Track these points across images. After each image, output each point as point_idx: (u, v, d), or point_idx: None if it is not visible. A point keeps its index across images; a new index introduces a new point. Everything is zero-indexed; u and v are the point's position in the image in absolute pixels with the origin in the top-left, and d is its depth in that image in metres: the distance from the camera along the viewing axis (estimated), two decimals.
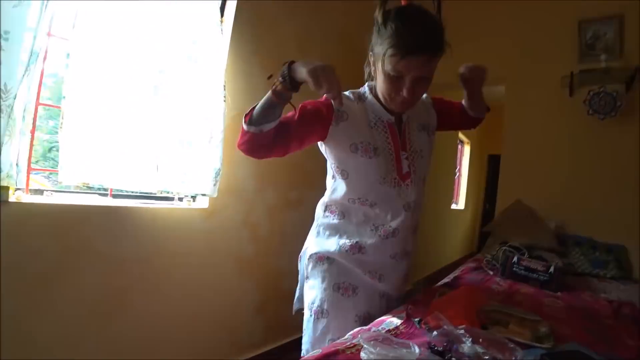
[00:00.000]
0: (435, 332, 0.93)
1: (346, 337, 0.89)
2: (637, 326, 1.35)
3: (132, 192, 1.61)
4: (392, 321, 1.03)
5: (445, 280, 1.53)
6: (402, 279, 1.20)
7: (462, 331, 0.92)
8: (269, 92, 0.91)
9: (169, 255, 1.67)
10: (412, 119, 1.11)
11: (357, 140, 1.02)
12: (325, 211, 1.15)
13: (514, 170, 2.92)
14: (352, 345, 0.85)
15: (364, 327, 0.97)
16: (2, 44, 1.07)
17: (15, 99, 1.15)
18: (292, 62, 0.89)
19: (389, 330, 0.95)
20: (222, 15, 1.88)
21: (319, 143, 1.09)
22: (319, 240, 1.14)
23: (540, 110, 2.82)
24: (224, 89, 1.77)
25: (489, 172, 6.56)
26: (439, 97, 1.24)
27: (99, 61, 1.41)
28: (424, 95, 1.16)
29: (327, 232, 1.13)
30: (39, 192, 1.44)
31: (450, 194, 4.90)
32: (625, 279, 2.14)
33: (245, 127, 0.93)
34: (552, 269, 1.69)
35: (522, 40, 2.92)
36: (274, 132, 0.96)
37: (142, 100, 1.53)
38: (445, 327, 0.92)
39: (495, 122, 6.03)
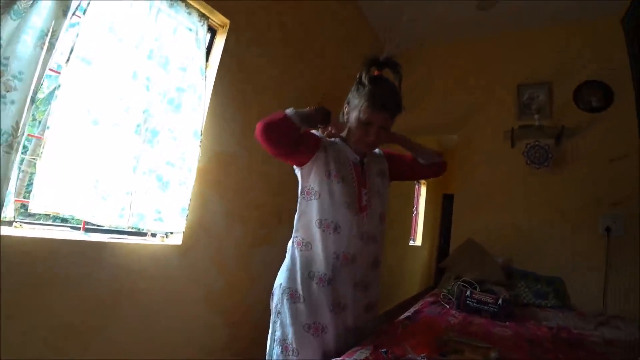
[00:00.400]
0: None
1: None
2: (571, 348, 1.53)
3: (105, 227, 1.61)
4: (361, 352, 1.12)
5: (407, 314, 1.65)
6: (367, 310, 1.30)
7: (424, 358, 1.05)
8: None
9: (141, 291, 1.67)
10: (372, 164, 1.34)
11: (331, 168, 1.22)
12: (293, 245, 1.27)
13: (466, 209, 3.20)
14: None
15: (338, 359, 1.06)
16: (15, 84, 1.13)
17: (24, 135, 1.19)
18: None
19: None
20: (207, 60, 2.01)
21: (296, 168, 1.28)
22: (290, 275, 1.23)
23: (487, 157, 3.17)
24: (201, 134, 1.87)
25: (443, 210, 6.97)
26: (389, 150, 1.47)
27: (87, 96, 1.47)
28: (377, 150, 1.42)
29: (297, 267, 1.23)
30: (8, 223, 1.42)
31: (408, 231, 5.15)
32: (563, 307, 2.38)
33: (289, 112, 1.14)
34: (500, 301, 1.87)
35: (473, 97, 3.33)
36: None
37: (123, 137, 1.58)
38: (409, 356, 1.04)
39: (449, 164, 6.49)
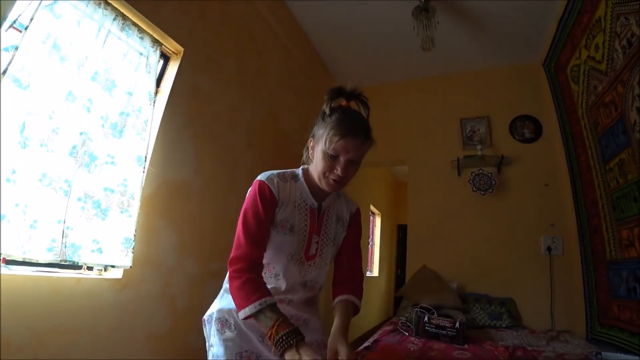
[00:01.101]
0: None
1: None
2: None
3: (35, 260, 1.42)
4: None
5: (366, 344, 1.60)
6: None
7: None
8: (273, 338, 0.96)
9: (71, 331, 1.47)
10: (332, 210, 1.21)
11: (279, 217, 1.11)
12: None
13: (419, 238, 3.28)
14: None
15: None
16: None
17: None
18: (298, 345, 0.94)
19: None
20: (158, 86, 1.95)
21: None
22: (221, 304, 1.19)
23: (436, 186, 3.32)
24: (145, 160, 1.77)
25: (398, 240, 7.10)
26: (359, 221, 1.29)
27: (18, 116, 1.35)
28: (353, 205, 1.28)
29: (230, 296, 1.16)
30: None
31: (364, 263, 5.16)
32: (516, 326, 2.45)
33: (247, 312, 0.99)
34: (457, 324, 1.88)
35: (421, 130, 3.55)
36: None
37: (55, 160, 1.45)
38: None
39: (401, 195, 6.69)
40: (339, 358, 0.93)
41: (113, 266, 1.64)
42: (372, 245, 5.83)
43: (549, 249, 2.75)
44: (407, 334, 1.98)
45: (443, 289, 2.57)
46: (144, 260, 1.77)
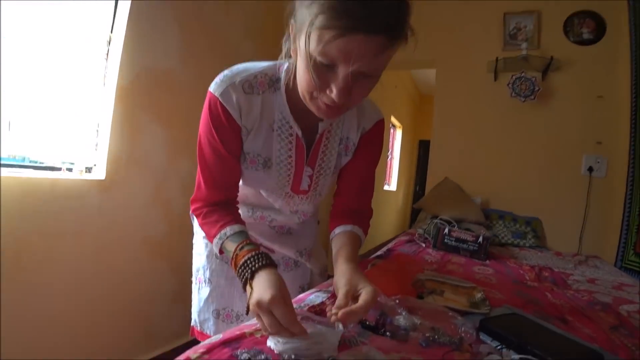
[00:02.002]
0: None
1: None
2: (557, 286, 1.38)
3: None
4: (317, 296, 0.87)
5: (378, 252, 1.42)
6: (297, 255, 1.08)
7: (396, 302, 0.80)
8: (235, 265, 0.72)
9: (53, 235, 1.36)
10: (335, 131, 0.84)
11: (247, 149, 0.81)
12: None
13: (443, 153, 2.97)
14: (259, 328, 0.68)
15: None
16: None
17: None
18: (254, 273, 0.67)
19: (312, 307, 0.79)
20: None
21: None
22: (195, 254, 1.05)
23: (468, 91, 2.90)
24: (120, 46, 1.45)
25: (419, 156, 6.82)
26: (379, 139, 0.91)
27: None
28: (372, 116, 0.87)
29: (197, 240, 1.05)
30: None
31: (382, 176, 4.96)
32: (540, 247, 2.26)
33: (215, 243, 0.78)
34: (481, 239, 1.68)
35: (453, 28, 2.97)
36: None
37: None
38: (378, 298, 0.79)
39: (424, 110, 6.21)
40: (361, 303, 0.64)
41: (72, 164, 1.44)
42: (391, 159, 5.58)
43: (590, 169, 2.42)
44: (424, 245, 1.81)
45: (465, 203, 2.35)
46: (128, 159, 1.57)
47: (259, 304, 0.59)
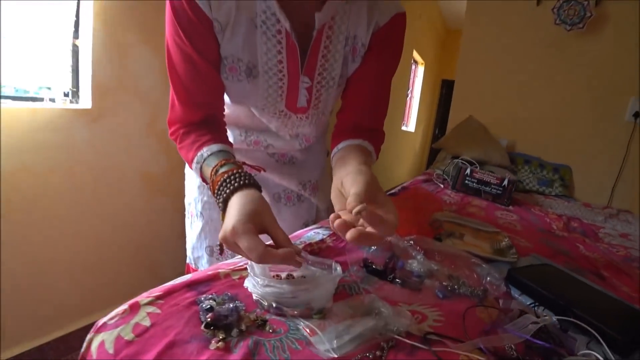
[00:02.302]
0: (374, 246, 0.66)
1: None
2: (588, 238, 1.25)
3: None
4: (316, 232, 0.75)
5: (392, 190, 1.28)
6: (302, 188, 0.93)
7: (410, 243, 0.67)
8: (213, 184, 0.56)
9: (41, 172, 1.26)
10: (337, 28, 0.67)
11: (224, 52, 0.64)
12: None
13: (468, 92, 2.68)
14: (242, 267, 0.56)
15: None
16: None
17: None
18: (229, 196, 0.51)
19: (309, 245, 0.67)
20: None
21: None
22: (186, 187, 0.93)
23: (502, 21, 2.51)
24: None
25: (441, 97, 6.42)
26: (397, 39, 0.71)
27: None
28: (387, 9, 0.68)
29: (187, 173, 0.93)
30: None
31: (400, 115, 4.68)
32: (567, 197, 2.09)
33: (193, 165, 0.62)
34: (505, 182, 1.52)
35: None
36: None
37: None
38: (389, 238, 0.65)
39: (450, 46, 5.70)
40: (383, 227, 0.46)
41: (49, 88, 1.28)
42: (410, 98, 5.24)
43: (636, 115, 2.14)
44: (442, 186, 1.66)
45: (490, 144, 2.15)
46: (116, 86, 1.40)
47: (224, 239, 0.45)
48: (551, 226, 1.32)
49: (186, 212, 0.92)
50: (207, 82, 0.64)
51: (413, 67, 5.14)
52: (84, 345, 0.41)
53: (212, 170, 0.56)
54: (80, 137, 1.34)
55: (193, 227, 0.89)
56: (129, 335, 0.40)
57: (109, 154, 1.43)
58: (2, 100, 1.18)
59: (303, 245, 0.67)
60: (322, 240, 0.71)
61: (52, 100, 1.32)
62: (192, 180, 0.89)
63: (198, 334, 0.40)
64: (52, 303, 1.35)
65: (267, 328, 0.42)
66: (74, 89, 1.37)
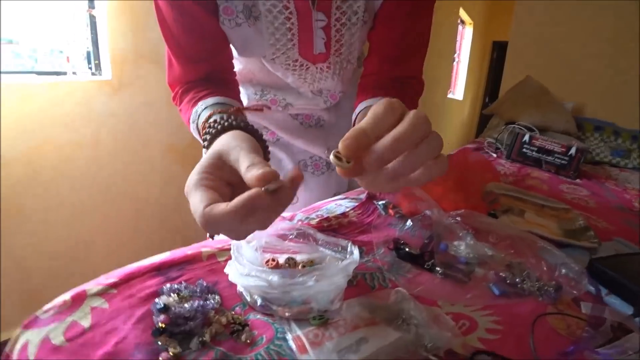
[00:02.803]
0: (409, 222, 0.52)
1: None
2: None
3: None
4: (338, 205, 0.61)
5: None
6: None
7: (456, 219, 0.51)
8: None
9: (67, 144, 1.24)
10: None
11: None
12: None
13: (524, 54, 2.34)
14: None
15: (285, 216, 0.55)
16: None
17: None
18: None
19: (325, 219, 0.53)
20: None
21: None
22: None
23: None
24: None
25: (492, 61, 5.86)
26: None
27: None
28: None
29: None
30: None
31: (446, 82, 4.30)
32: None
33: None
34: (573, 150, 1.28)
35: None
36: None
37: None
38: (427, 212, 0.50)
39: (503, 4, 5.13)
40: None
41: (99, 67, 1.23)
42: (457, 63, 4.81)
43: None
44: (494, 155, 1.44)
45: (552, 108, 1.86)
46: (134, 56, 1.33)
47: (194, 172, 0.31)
48: (632, 204, 1.09)
49: None
50: (201, 31, 0.51)
51: (460, 28, 4.68)
52: (10, 342, 0.31)
53: (204, 123, 0.44)
54: (102, 110, 1.31)
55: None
56: (58, 339, 0.29)
57: (133, 126, 1.40)
58: (25, 75, 1.18)
59: (319, 219, 0.53)
60: (343, 214, 0.57)
61: (75, 73, 1.29)
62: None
63: (147, 343, 0.29)
64: (87, 276, 1.35)
65: (244, 337, 0.30)
66: (97, 61, 1.33)
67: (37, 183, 1.20)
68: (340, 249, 0.36)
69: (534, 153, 1.33)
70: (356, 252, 0.36)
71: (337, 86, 0.70)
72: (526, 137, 1.36)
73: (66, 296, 0.33)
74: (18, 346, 0.30)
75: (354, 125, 0.56)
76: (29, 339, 0.30)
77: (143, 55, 1.36)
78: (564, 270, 0.48)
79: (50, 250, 1.27)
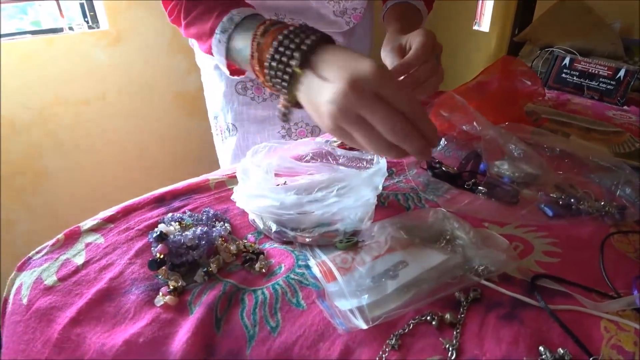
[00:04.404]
0: (443, 141, 0.45)
1: (252, 154, 0.40)
2: None
3: None
4: None
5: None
6: None
7: (502, 132, 0.44)
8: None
9: (74, 102, 1.21)
10: None
11: None
12: None
13: None
14: None
15: (303, 140, 0.49)
16: None
17: None
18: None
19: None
20: None
21: None
22: (208, 97, 0.78)
23: None
24: None
25: None
26: None
27: None
28: None
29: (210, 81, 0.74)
30: None
31: (471, 11, 3.94)
32: None
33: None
34: (622, 73, 1.14)
35: None
36: None
37: None
38: (464, 127, 0.43)
39: None
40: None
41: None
42: None
43: None
44: (529, 83, 1.31)
45: (596, 28, 1.66)
46: (127, 4, 1.24)
47: (355, 84, 0.24)
48: None
49: (213, 129, 0.77)
50: None
51: None
52: (7, 285, 0.28)
53: (254, 34, 0.32)
54: (102, 62, 1.26)
55: (225, 144, 0.73)
56: (50, 279, 0.26)
57: (138, 76, 1.34)
58: (22, 35, 1.15)
59: (339, 143, 0.47)
60: None
61: (71, 28, 1.22)
62: (213, 87, 0.72)
63: (145, 278, 0.25)
64: None
65: (258, 266, 0.25)
66: (92, 13, 1.25)
67: (56, 143, 1.21)
68: (365, 163, 0.30)
69: (574, 78, 1.20)
70: (383, 161, 0.30)
71: (363, 3, 0.63)
72: (566, 61, 1.22)
73: (60, 235, 0.30)
74: (13, 289, 0.27)
75: (384, 20, 0.53)
76: (23, 281, 0.26)
77: (141, 4, 1.28)
78: (628, 190, 0.41)
79: (76, 202, 1.30)
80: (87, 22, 1.26)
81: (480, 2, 4.33)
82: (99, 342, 0.22)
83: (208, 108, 0.75)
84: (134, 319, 0.23)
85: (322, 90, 0.25)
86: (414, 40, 0.39)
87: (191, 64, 1.43)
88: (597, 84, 1.18)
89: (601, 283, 0.27)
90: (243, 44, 0.34)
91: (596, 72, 1.18)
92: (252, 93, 0.66)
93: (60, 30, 1.21)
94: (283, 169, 0.34)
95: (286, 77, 0.27)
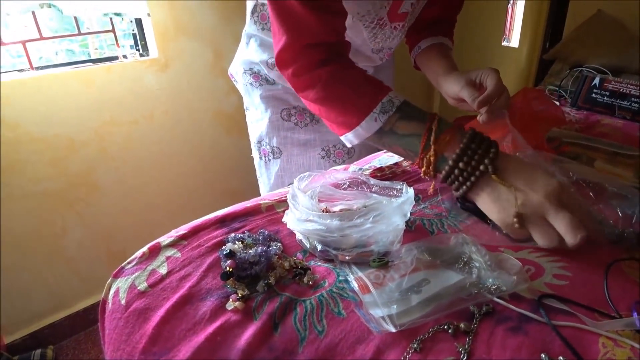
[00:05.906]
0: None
1: (298, 181, 0.46)
2: None
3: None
4: (390, 155, 0.60)
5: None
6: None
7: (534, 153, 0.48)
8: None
9: (126, 122, 1.34)
10: None
11: None
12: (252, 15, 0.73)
13: None
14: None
15: (338, 168, 0.55)
16: None
17: None
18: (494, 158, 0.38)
19: (378, 169, 0.53)
20: None
21: None
22: (248, 52, 0.76)
23: None
24: None
25: (552, 1, 5.23)
26: None
27: None
28: None
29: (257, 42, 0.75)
30: None
31: (500, 27, 3.93)
32: None
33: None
34: None
35: None
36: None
37: None
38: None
39: None
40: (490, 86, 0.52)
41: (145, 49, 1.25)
42: (513, 4, 4.36)
43: None
44: (558, 104, 1.32)
45: (629, 45, 1.64)
46: (178, 31, 1.36)
47: (549, 196, 0.34)
48: None
49: (254, 153, 0.82)
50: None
51: None
52: (105, 288, 0.35)
53: (428, 126, 0.40)
54: (151, 86, 1.38)
55: (270, 167, 0.79)
56: (142, 285, 0.33)
57: (181, 98, 1.45)
58: (83, 64, 1.29)
59: (372, 170, 0.53)
60: (396, 164, 0.56)
61: (125, 57, 1.36)
62: (258, 114, 0.77)
63: (217, 288, 0.31)
64: (157, 235, 1.48)
65: (306, 279, 0.31)
66: (142, 42, 1.38)
67: (105, 157, 1.32)
68: (395, 192, 0.36)
69: (605, 98, 1.20)
70: (411, 191, 0.35)
71: (395, 44, 0.70)
72: (596, 81, 1.22)
73: (144, 249, 0.37)
74: (112, 292, 0.34)
75: (415, 57, 0.69)
76: (120, 286, 0.33)
77: (183, 30, 1.39)
78: None
79: (126, 216, 1.41)
80: (139, 51, 1.38)
81: (509, 17, 4.30)
82: (185, 338, 0.28)
83: (250, 133, 0.81)
84: (210, 320, 0.29)
85: (510, 195, 0.35)
86: (486, 76, 0.53)
87: (229, 86, 1.53)
88: (629, 103, 1.17)
89: (605, 305, 0.31)
90: (408, 131, 0.41)
91: (627, 91, 1.18)
92: (296, 119, 0.73)
93: (116, 58, 1.34)
94: (325, 195, 0.40)
95: (473, 178, 0.36)
